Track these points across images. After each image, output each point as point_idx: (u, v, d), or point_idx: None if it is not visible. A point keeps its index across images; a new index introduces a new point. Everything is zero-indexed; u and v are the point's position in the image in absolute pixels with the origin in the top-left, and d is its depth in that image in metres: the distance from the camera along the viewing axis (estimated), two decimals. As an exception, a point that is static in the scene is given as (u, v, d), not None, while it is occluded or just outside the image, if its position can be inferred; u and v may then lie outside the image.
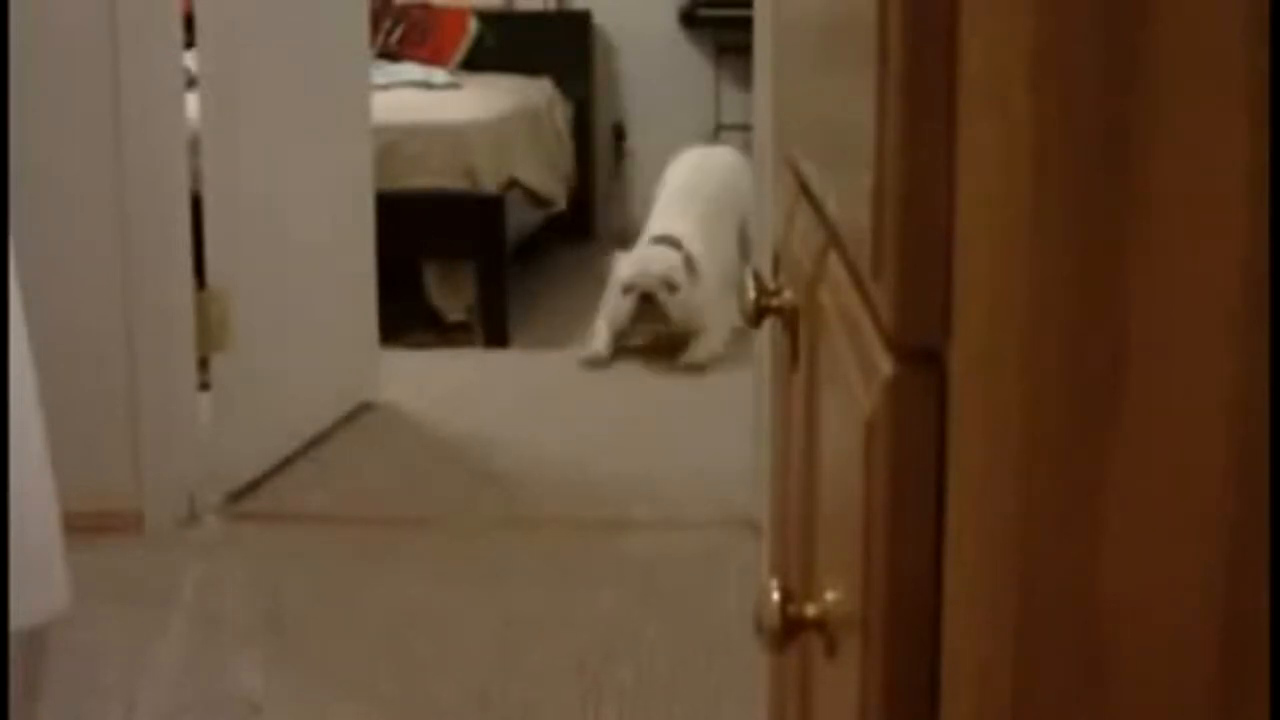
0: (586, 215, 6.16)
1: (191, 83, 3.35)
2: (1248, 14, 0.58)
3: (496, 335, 4.77)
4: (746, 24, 3.18)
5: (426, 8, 5.96)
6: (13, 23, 2.93)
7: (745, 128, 4.91)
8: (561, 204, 5.56)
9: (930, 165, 0.68)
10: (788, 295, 1.21)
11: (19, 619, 2.12)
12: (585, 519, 3.35)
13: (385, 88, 4.90)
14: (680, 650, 2.71)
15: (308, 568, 3.08)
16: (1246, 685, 0.62)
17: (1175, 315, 0.60)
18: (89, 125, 3.18)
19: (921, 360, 0.71)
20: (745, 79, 4.03)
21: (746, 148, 4.48)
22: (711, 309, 4.50)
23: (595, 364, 4.49)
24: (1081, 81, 0.60)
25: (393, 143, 4.56)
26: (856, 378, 0.80)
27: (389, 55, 5.69)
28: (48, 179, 3.16)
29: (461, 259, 4.81)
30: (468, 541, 3.23)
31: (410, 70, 5.57)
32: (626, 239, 5.18)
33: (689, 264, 4.54)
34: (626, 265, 4.58)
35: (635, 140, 6.25)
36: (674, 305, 4.48)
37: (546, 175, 5.40)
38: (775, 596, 0.95)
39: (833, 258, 0.98)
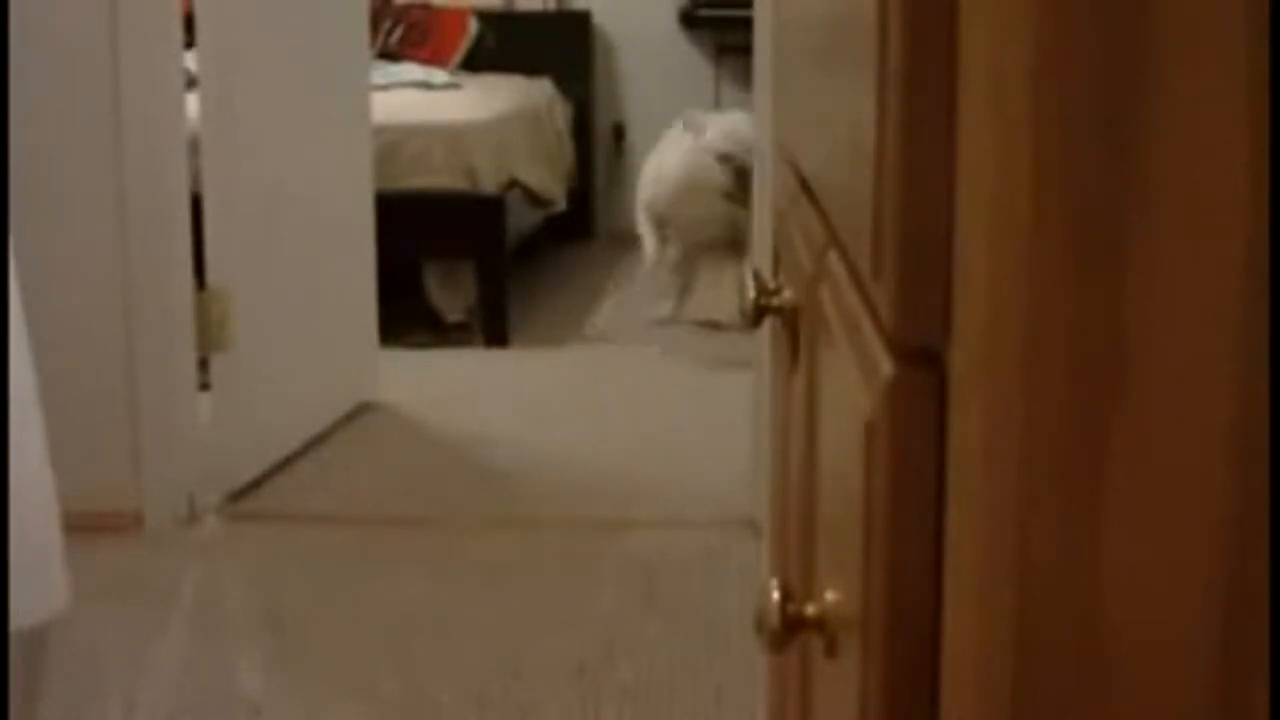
0: (586, 215, 6.16)
1: (191, 83, 3.35)
2: (1248, 14, 0.58)
3: (496, 335, 4.77)
4: (746, 24, 3.18)
5: (426, 8, 5.97)
6: (13, 23, 2.94)
7: (745, 128, 4.90)
8: (561, 204, 5.56)
9: (930, 165, 0.68)
10: (788, 295, 1.21)
11: (19, 619, 2.12)
12: (585, 519, 3.35)
13: (385, 88, 4.91)
14: (680, 650, 2.71)
15: (308, 568, 3.08)
16: (1247, 685, 0.62)
17: (1175, 315, 0.60)
18: (89, 125, 3.18)
19: (921, 360, 0.70)
20: (745, 79, 4.03)
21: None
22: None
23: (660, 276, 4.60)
24: (1081, 81, 0.60)
25: (393, 143, 4.57)
26: (856, 378, 0.80)
27: (389, 55, 5.69)
28: (48, 179, 3.16)
29: (461, 259, 4.82)
30: (468, 541, 3.23)
31: (410, 70, 5.57)
32: (626, 239, 5.17)
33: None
34: (717, 139, 4.61)
35: (635, 140, 6.25)
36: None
37: (546, 175, 5.39)
38: (775, 596, 0.94)
39: (833, 257, 0.98)
